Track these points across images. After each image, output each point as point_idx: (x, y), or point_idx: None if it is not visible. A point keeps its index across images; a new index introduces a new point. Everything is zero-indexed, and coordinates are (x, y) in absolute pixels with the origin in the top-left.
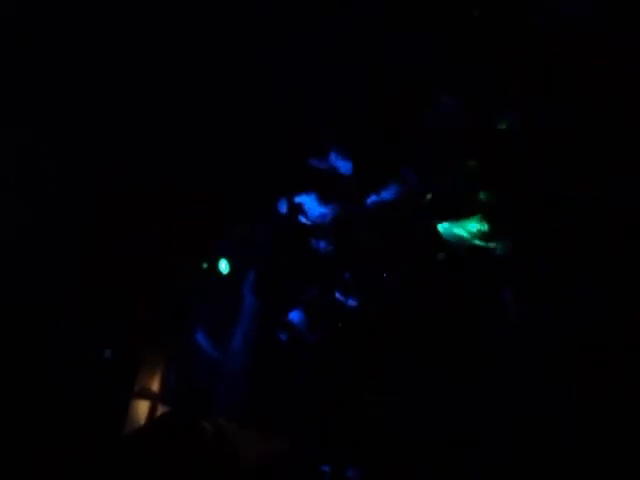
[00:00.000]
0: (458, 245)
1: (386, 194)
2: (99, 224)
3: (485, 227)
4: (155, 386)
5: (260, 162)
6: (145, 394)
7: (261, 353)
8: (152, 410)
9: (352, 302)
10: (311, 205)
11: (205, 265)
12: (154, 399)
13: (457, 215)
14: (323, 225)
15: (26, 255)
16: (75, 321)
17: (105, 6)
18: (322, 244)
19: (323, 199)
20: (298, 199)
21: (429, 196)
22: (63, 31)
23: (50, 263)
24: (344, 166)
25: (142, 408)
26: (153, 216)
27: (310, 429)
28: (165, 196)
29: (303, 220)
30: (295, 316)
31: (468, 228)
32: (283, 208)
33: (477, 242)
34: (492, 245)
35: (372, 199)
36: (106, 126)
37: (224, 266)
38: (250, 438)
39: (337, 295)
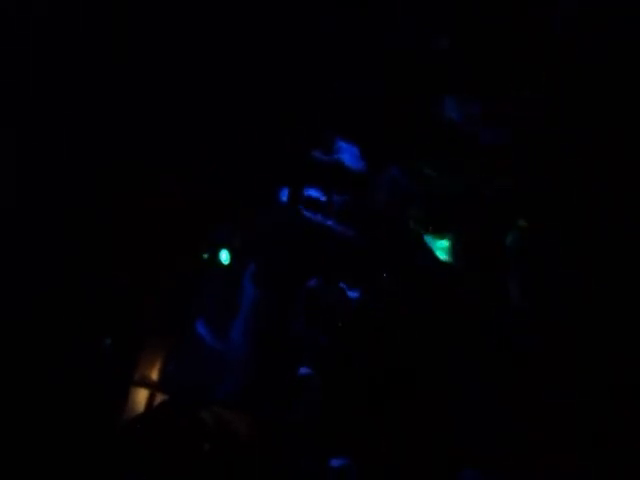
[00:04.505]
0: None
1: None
2: (99, 215)
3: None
4: (154, 375)
5: (263, 153)
6: (144, 382)
7: (261, 343)
8: (151, 399)
9: (354, 294)
10: (314, 197)
11: (206, 255)
12: (153, 388)
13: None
14: (326, 216)
15: (27, 244)
16: (75, 309)
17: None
18: (329, 222)
19: (326, 191)
20: (301, 191)
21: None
22: (62, 30)
23: (51, 252)
24: (349, 159)
25: (141, 396)
26: (154, 206)
27: (310, 420)
28: (167, 186)
29: (305, 211)
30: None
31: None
32: (285, 197)
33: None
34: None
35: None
36: (106, 121)
37: (225, 256)
38: (249, 426)
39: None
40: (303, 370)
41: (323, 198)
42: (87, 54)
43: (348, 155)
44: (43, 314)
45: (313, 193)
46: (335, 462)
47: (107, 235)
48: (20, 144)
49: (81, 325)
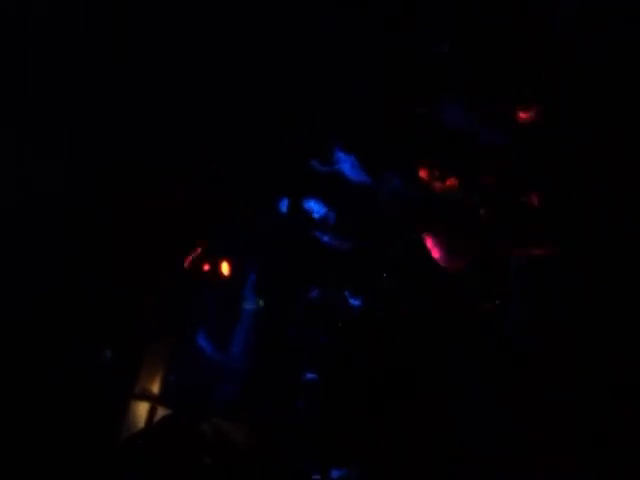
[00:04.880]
0: None
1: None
2: (99, 215)
3: None
4: (155, 387)
5: (262, 163)
6: (145, 395)
7: (261, 353)
8: (152, 412)
9: (355, 302)
10: (314, 207)
11: (206, 266)
12: (154, 400)
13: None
14: (326, 225)
15: (27, 244)
16: (75, 321)
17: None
18: (325, 239)
19: (326, 202)
20: (301, 201)
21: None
22: (62, 30)
23: (51, 252)
24: (348, 169)
25: (142, 409)
26: (154, 206)
27: (309, 429)
28: (167, 186)
29: (305, 220)
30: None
31: None
32: (284, 208)
33: None
34: None
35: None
36: (106, 122)
37: (225, 267)
38: (248, 436)
39: (346, 293)
40: (309, 376)
41: (322, 211)
42: (87, 54)
43: (347, 165)
44: (43, 314)
45: (312, 204)
46: (335, 473)
47: (107, 235)
48: (20, 144)
49: (81, 326)
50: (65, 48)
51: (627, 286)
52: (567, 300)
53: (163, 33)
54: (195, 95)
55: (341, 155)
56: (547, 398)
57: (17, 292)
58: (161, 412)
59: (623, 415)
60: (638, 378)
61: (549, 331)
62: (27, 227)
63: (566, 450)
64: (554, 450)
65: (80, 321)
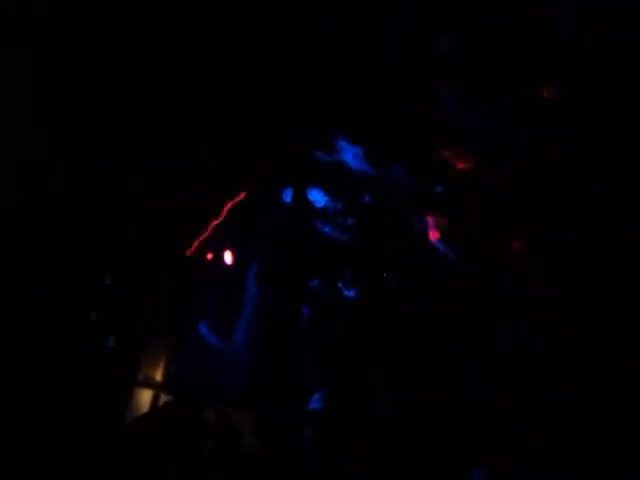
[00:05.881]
0: None
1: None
2: (103, 214)
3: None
4: (158, 375)
5: (263, 153)
6: (148, 383)
7: (264, 343)
8: (155, 399)
9: (350, 294)
10: (317, 197)
11: (209, 256)
12: (157, 388)
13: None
14: (328, 215)
15: (27, 244)
16: (78, 309)
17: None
18: (327, 229)
19: (329, 192)
20: (304, 191)
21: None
22: (62, 30)
23: (51, 252)
24: (351, 159)
25: (145, 397)
26: (157, 207)
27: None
28: (169, 186)
29: (308, 210)
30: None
31: None
32: (288, 198)
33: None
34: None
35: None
36: (106, 121)
37: (228, 257)
38: (251, 424)
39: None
40: (313, 404)
41: (323, 201)
42: (87, 54)
43: (350, 155)
44: (43, 314)
45: (316, 194)
46: (336, 465)
47: (107, 235)
48: (20, 144)
49: (81, 326)
50: (65, 48)
51: (627, 286)
52: (567, 300)
53: (163, 33)
54: (194, 94)
55: (343, 144)
56: (547, 398)
57: (17, 292)
58: (164, 400)
59: (623, 415)
60: (638, 378)
61: (549, 331)
62: (27, 227)
63: (566, 450)
64: (554, 450)
65: (80, 322)
